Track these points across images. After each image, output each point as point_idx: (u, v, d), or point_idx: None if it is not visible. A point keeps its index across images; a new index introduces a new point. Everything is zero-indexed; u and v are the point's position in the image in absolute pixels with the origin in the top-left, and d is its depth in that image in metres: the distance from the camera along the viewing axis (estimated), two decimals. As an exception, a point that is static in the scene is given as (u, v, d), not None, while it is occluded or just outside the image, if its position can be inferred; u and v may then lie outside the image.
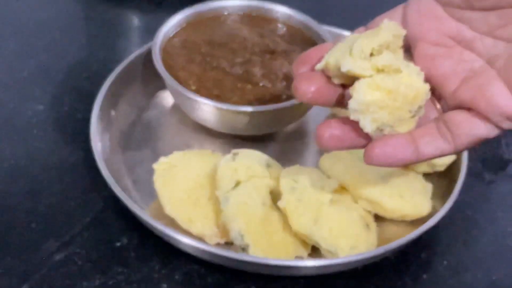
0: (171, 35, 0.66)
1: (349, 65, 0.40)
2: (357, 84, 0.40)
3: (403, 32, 0.41)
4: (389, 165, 0.42)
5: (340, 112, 0.64)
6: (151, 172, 0.56)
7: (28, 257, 0.53)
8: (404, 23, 0.43)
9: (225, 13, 0.70)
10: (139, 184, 0.59)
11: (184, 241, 0.51)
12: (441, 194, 0.59)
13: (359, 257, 0.51)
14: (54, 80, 0.71)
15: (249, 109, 0.59)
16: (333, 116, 0.66)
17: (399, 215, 0.55)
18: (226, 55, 0.63)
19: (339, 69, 0.40)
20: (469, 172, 0.61)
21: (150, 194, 0.57)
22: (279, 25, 0.70)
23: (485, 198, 0.62)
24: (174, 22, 0.67)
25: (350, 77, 0.41)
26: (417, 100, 0.41)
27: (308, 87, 0.42)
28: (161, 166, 0.56)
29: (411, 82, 0.40)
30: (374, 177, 0.55)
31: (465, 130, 0.40)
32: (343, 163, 0.56)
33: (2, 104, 0.67)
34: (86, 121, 0.61)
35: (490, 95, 0.39)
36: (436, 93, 0.43)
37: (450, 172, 0.60)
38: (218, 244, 0.54)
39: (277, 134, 0.66)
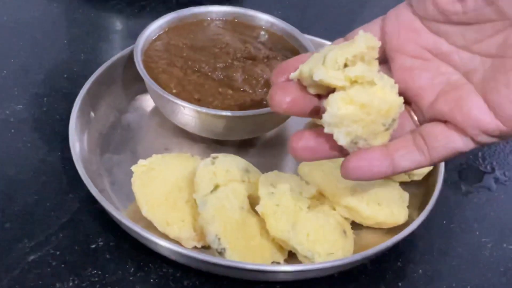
0: (153, 38, 0.66)
1: (321, 75, 0.39)
2: (330, 98, 0.40)
3: (378, 43, 0.41)
4: (366, 179, 0.43)
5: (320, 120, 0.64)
6: (129, 174, 0.56)
7: (1, 258, 0.52)
8: (383, 34, 0.43)
9: (208, 19, 0.70)
10: (117, 186, 0.58)
11: (161, 243, 0.50)
12: (417, 204, 0.59)
13: (336, 263, 0.51)
14: (34, 80, 0.70)
15: (229, 113, 0.59)
16: (312, 123, 0.66)
17: (376, 223, 0.55)
18: (208, 60, 0.63)
19: (312, 78, 0.40)
20: (446, 183, 0.62)
21: (127, 196, 0.57)
22: (262, 32, 0.70)
23: (461, 209, 0.63)
24: (156, 25, 0.67)
25: (324, 87, 0.41)
26: (390, 113, 0.41)
27: (283, 97, 0.42)
28: (140, 168, 0.56)
29: (385, 96, 0.40)
30: (352, 185, 0.55)
31: (442, 142, 0.41)
32: (321, 170, 0.56)
33: (-20, 102, 0.66)
34: (65, 122, 0.60)
35: (468, 109, 0.39)
36: (412, 105, 0.43)
37: (427, 182, 0.61)
38: (194, 248, 0.53)
39: (257, 140, 0.66)
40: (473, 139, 0.40)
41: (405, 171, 0.42)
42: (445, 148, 0.41)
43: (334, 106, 0.40)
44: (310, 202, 0.54)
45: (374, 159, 0.41)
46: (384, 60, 0.44)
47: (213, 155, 0.55)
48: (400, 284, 0.55)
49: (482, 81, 0.39)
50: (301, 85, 0.42)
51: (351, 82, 0.40)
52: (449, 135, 0.40)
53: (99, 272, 0.52)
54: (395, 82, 0.41)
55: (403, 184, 0.60)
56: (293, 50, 0.68)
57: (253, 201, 0.54)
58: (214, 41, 0.66)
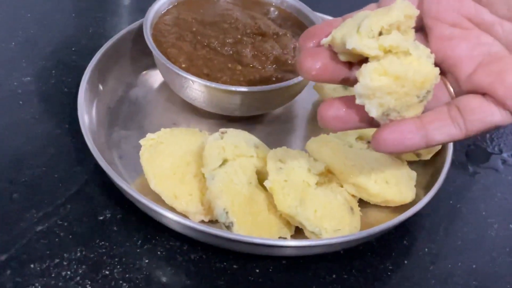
0: (162, 12, 0.66)
1: (354, 43, 0.38)
2: (363, 68, 0.39)
3: (416, 12, 0.40)
4: (398, 151, 0.41)
5: (323, 90, 0.64)
6: (137, 148, 0.56)
7: (9, 228, 0.52)
8: (421, 1, 0.42)
9: (218, -6, 0.69)
10: (125, 159, 0.58)
11: (169, 216, 0.50)
12: (425, 183, 0.59)
13: (342, 240, 0.51)
14: (42, 53, 0.69)
15: (238, 89, 0.58)
16: (320, 101, 0.66)
17: (384, 201, 0.55)
18: (217, 35, 0.63)
19: (345, 46, 0.39)
20: (453, 163, 0.62)
21: (135, 170, 0.57)
22: (272, 9, 0.69)
23: (468, 189, 0.63)
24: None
25: (357, 56, 0.40)
26: (425, 85, 0.39)
27: (313, 64, 0.40)
28: (148, 142, 0.56)
29: (420, 66, 0.39)
30: (361, 163, 0.55)
31: (479, 115, 0.39)
32: (330, 147, 0.55)
33: (-12, 73, 0.66)
34: (73, 95, 0.60)
35: (510, 81, 0.38)
36: (448, 76, 0.42)
37: (435, 162, 0.61)
38: (202, 221, 0.53)
39: (265, 116, 0.65)
40: None
41: (438, 144, 0.41)
42: (483, 122, 0.39)
43: (367, 77, 0.38)
44: (318, 179, 0.54)
45: (407, 131, 0.40)
46: (421, 28, 0.43)
47: (222, 130, 0.55)
48: (406, 262, 0.55)
49: None
50: (332, 51, 0.41)
51: (385, 51, 0.39)
52: (488, 108, 0.39)
53: (107, 244, 0.52)
54: (432, 52, 0.40)
55: (411, 163, 0.60)
56: (303, 27, 0.67)
57: (261, 177, 0.54)
58: (224, 17, 0.65)
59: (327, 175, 0.55)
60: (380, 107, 0.39)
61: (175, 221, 0.50)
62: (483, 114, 0.39)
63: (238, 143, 0.54)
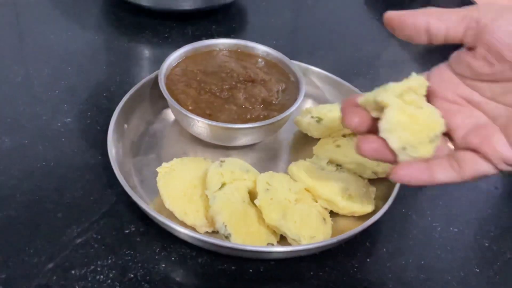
0: (173, 65, 0.66)
1: (383, 97, 0.40)
2: (387, 109, 0.41)
3: (427, 83, 0.42)
4: (409, 183, 0.43)
5: (301, 123, 0.64)
6: (155, 173, 0.56)
7: (54, 241, 0.52)
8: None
9: (217, 49, 0.70)
10: (145, 183, 0.58)
11: (179, 229, 0.50)
12: (382, 195, 0.59)
13: (318, 245, 0.51)
14: (80, 98, 0.70)
15: (234, 126, 0.58)
16: (300, 132, 0.66)
17: (349, 212, 0.55)
18: (217, 82, 0.63)
19: (375, 101, 0.41)
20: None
21: (153, 191, 0.56)
22: (259, 60, 0.70)
23: (417, 200, 0.62)
24: (176, 55, 0.66)
25: (383, 110, 0.41)
26: (435, 128, 0.41)
27: (353, 118, 0.43)
28: (163, 169, 0.56)
29: (431, 114, 0.41)
30: (331, 183, 0.55)
31: (471, 166, 0.41)
32: (306, 171, 0.56)
33: (38, 116, 0.66)
34: (104, 132, 0.60)
35: (494, 143, 0.40)
36: (447, 137, 0.44)
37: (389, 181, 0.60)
38: (206, 233, 0.53)
39: (256, 145, 0.65)
40: (495, 167, 0.41)
41: (439, 184, 0.43)
42: (474, 171, 0.41)
43: (390, 114, 0.40)
44: (297, 196, 0.54)
45: (418, 170, 0.42)
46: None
47: (221, 159, 0.55)
48: (368, 260, 0.55)
49: (505, 124, 0.40)
50: (365, 109, 0.43)
51: (405, 103, 0.41)
52: (478, 161, 0.41)
53: (132, 252, 0.52)
54: None
55: (371, 181, 0.60)
56: (284, 73, 0.68)
57: (252, 196, 0.54)
58: (222, 67, 0.65)
59: (304, 193, 0.55)
60: (400, 141, 0.41)
61: (185, 234, 0.50)
62: (474, 166, 0.41)
63: (234, 169, 0.54)
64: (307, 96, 0.71)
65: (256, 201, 0.52)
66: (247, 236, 0.51)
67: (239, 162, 0.56)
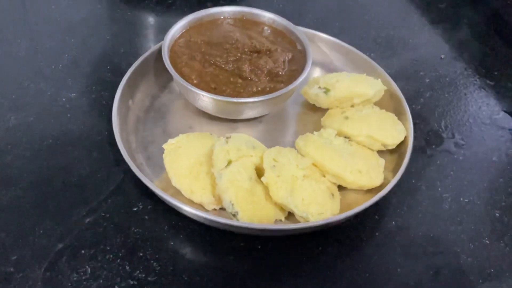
0: (177, 36, 0.64)
1: None
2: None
3: None
4: None
5: (308, 94, 0.62)
6: (161, 150, 0.55)
7: (63, 221, 0.52)
8: None
9: (222, 17, 0.67)
10: (152, 160, 0.57)
11: (186, 209, 0.50)
12: (392, 167, 0.58)
13: (325, 222, 0.50)
14: (83, 72, 0.68)
15: (239, 100, 0.57)
16: (306, 102, 0.64)
17: (358, 186, 0.54)
18: (221, 54, 0.61)
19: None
20: (414, 148, 0.60)
21: (160, 167, 0.56)
22: (265, 27, 0.67)
23: (426, 170, 0.61)
24: (179, 26, 0.64)
25: None
26: None
27: None
28: (169, 146, 0.55)
29: None
30: (338, 157, 0.54)
31: None
32: (314, 145, 0.54)
33: (43, 92, 0.65)
34: (110, 107, 0.59)
35: None
36: None
37: (399, 149, 0.59)
38: (214, 210, 0.53)
39: (264, 117, 0.63)
40: None
41: None
42: None
43: None
44: (305, 172, 0.52)
45: None
46: None
47: (227, 135, 0.54)
48: (377, 233, 0.54)
49: None
50: None
51: None
52: None
53: (140, 231, 0.52)
54: None
55: (380, 152, 0.58)
56: (291, 41, 0.65)
57: (259, 172, 0.53)
58: (226, 38, 0.63)
59: (312, 168, 0.54)
60: None
61: (192, 213, 0.50)
62: None
63: (240, 145, 0.53)
64: (314, 64, 0.68)
65: (263, 179, 0.51)
66: (255, 213, 0.50)
67: (245, 138, 0.54)
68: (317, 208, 0.51)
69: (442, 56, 0.77)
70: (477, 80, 0.73)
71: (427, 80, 0.72)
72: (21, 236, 0.50)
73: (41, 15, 0.76)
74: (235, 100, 0.57)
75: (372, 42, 0.77)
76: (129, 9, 0.79)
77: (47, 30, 0.74)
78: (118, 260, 0.50)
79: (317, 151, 0.54)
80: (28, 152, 0.58)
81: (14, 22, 0.75)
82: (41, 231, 0.51)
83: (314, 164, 0.54)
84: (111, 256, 0.50)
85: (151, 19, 0.79)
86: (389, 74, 0.65)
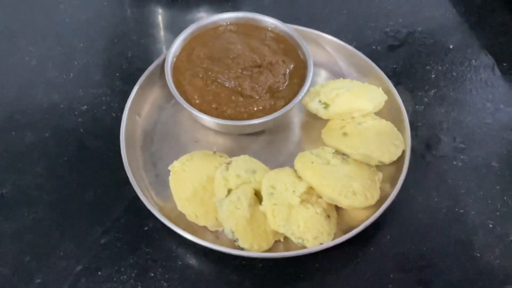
0: (179, 50, 0.64)
1: None
2: None
3: None
4: None
5: (309, 106, 0.62)
6: (169, 165, 0.57)
7: (80, 242, 0.55)
8: None
9: (224, 24, 0.66)
10: (160, 177, 0.59)
11: (187, 237, 0.53)
12: (390, 177, 0.59)
13: (320, 248, 0.52)
14: (93, 81, 0.69)
15: (240, 123, 0.58)
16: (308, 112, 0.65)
17: (353, 208, 0.56)
18: (223, 70, 0.61)
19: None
20: (414, 153, 0.60)
21: (169, 185, 0.57)
22: (268, 33, 0.66)
23: (424, 178, 0.61)
24: (180, 39, 0.64)
25: None
26: None
27: None
28: (174, 168, 0.57)
29: None
30: (334, 181, 0.55)
31: None
32: (311, 169, 0.55)
33: (56, 105, 0.66)
34: (120, 119, 0.61)
35: None
36: None
37: (398, 160, 0.60)
38: (217, 231, 0.56)
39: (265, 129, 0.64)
40: None
41: None
42: None
43: None
44: (302, 196, 0.54)
45: None
46: None
47: (227, 161, 0.56)
48: (372, 249, 0.56)
49: None
50: None
51: None
52: None
53: (150, 250, 0.55)
54: None
55: (378, 166, 0.59)
56: (293, 49, 0.65)
57: (259, 196, 0.55)
58: (228, 52, 0.62)
59: (310, 190, 0.56)
60: None
61: (192, 241, 0.53)
62: None
63: (240, 172, 0.55)
64: (319, 66, 0.68)
65: (260, 208, 0.53)
66: (254, 239, 0.53)
67: (245, 162, 0.56)
68: (313, 232, 0.53)
69: (451, 47, 0.75)
70: (485, 73, 0.72)
71: (433, 76, 0.71)
72: (44, 259, 0.55)
73: (48, 17, 0.76)
74: (236, 123, 0.58)
75: (379, 33, 0.75)
76: (136, 6, 0.78)
77: (54, 33, 0.74)
78: (131, 281, 0.53)
79: (313, 176, 0.55)
80: (46, 172, 0.61)
81: (24, 26, 0.75)
82: (61, 253, 0.55)
83: (311, 187, 0.56)
84: (125, 277, 0.54)
85: (158, 17, 0.78)
86: (394, 69, 0.64)
